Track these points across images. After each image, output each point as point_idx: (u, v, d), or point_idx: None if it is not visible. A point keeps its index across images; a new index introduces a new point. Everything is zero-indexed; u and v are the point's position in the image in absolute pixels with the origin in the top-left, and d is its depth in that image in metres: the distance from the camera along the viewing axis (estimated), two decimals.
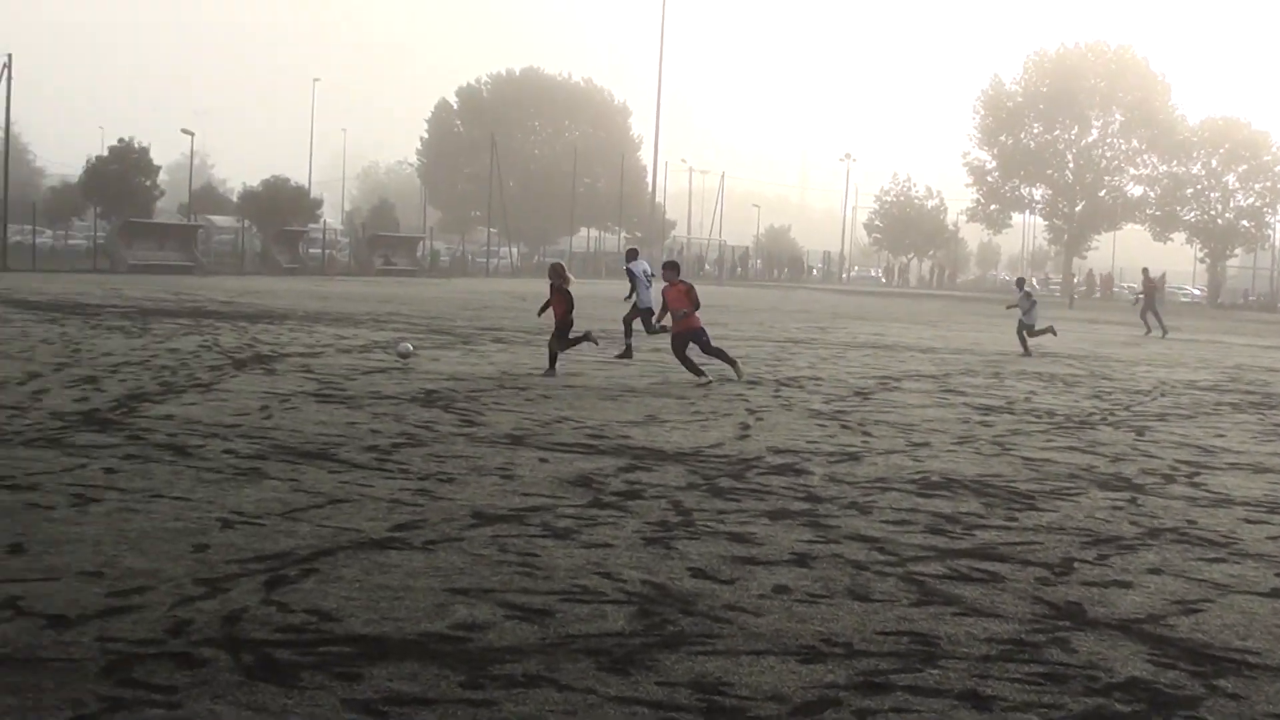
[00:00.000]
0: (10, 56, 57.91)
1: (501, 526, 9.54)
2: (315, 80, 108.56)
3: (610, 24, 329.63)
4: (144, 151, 73.23)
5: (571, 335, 20.72)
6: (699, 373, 20.31)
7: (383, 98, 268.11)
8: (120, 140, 73.90)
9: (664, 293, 21.40)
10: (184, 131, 76.20)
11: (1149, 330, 44.22)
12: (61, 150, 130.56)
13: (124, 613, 7.01)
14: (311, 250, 76.34)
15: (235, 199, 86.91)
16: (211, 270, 64.46)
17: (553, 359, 20.62)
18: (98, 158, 74.34)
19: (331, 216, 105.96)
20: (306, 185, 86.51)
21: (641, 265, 26.55)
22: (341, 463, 11.87)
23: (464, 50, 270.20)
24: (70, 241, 77.02)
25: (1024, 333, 31.82)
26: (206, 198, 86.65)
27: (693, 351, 20.70)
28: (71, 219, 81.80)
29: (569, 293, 20.70)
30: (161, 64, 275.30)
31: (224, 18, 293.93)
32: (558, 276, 21.17)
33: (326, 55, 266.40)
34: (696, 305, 20.74)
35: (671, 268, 21.77)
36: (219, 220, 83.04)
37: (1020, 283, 34.22)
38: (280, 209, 76.74)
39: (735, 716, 6.05)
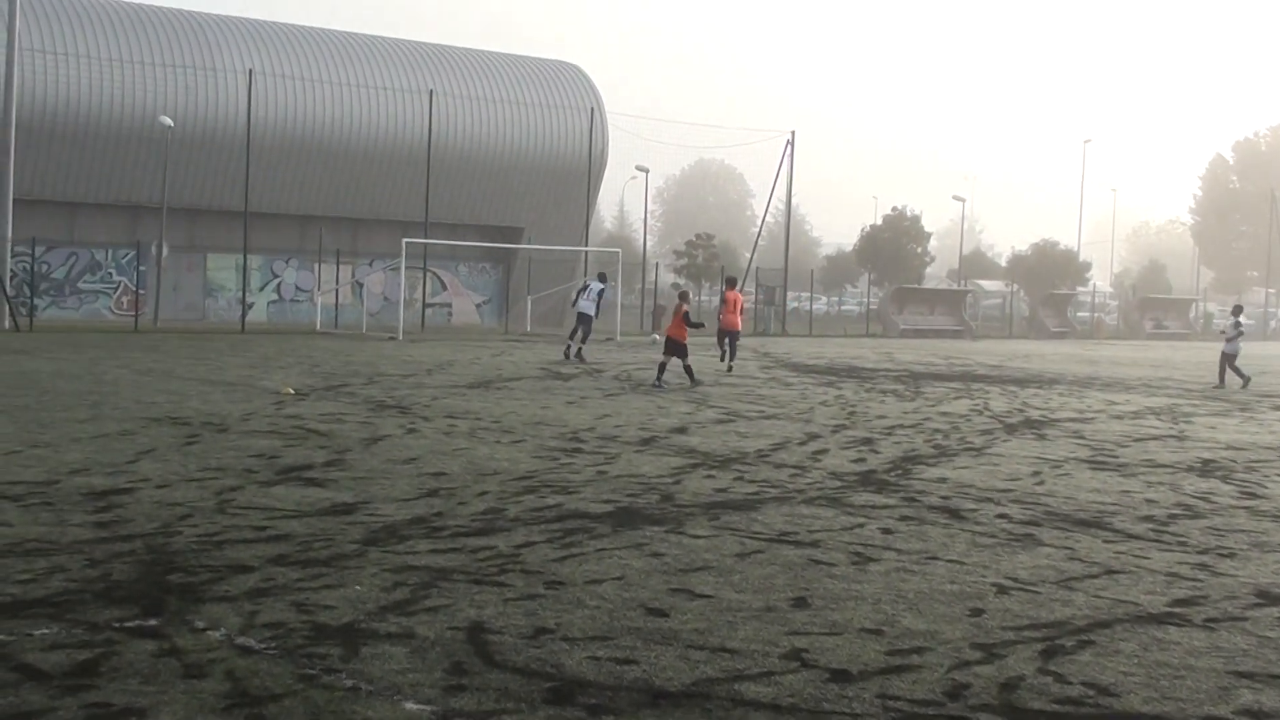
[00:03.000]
0: (793, 134, 61.55)
1: None
2: (1086, 141, 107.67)
3: None
4: (915, 219, 75.67)
5: None
6: None
7: (1154, 156, 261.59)
8: (893, 209, 76.72)
9: None
10: (954, 198, 77.90)
11: None
12: (836, 221, 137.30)
13: (903, 671, 7.24)
14: (1080, 314, 75.62)
15: (1003, 263, 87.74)
16: (980, 334, 65.30)
17: None
18: (871, 226, 77.59)
19: (1100, 279, 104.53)
20: (1075, 248, 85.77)
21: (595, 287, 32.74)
22: (1116, 532, 11.68)
23: (1236, 102, 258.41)
24: (844, 307, 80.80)
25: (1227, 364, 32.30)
26: (975, 263, 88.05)
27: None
28: (845, 285, 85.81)
29: None
30: (930, 132, 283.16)
31: (988, 83, 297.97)
32: None
33: (1096, 115, 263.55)
34: None
35: None
36: (987, 285, 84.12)
37: (1237, 310, 34.91)
38: (1048, 272, 76.71)
39: None
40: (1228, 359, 32.42)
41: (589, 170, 57.53)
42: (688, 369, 26.22)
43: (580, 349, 32.97)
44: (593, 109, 58.86)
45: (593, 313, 33.68)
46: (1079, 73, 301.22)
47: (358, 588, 8.64)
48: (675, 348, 26.50)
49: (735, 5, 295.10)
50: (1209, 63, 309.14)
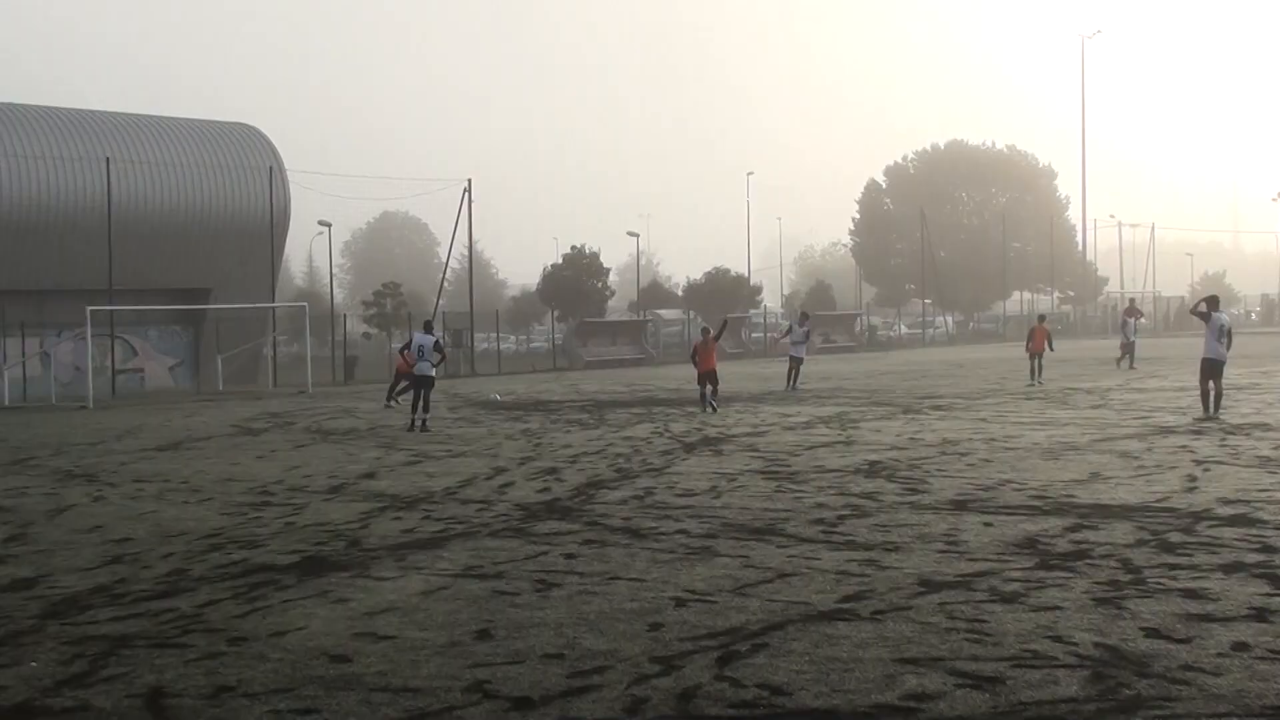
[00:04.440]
0: (470, 181, 61.76)
1: (949, 593, 9.53)
2: (749, 174, 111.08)
3: (1030, 88, 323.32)
4: (594, 256, 76.78)
5: None
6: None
7: (812, 183, 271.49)
8: (573, 247, 77.69)
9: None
10: (629, 234, 79.30)
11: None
12: (521, 262, 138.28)
13: (584, 692, 7.37)
14: (754, 334, 77.76)
15: (680, 292, 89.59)
16: (661, 360, 66.48)
17: None
18: (553, 265, 78.37)
19: (771, 300, 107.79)
20: (746, 273, 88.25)
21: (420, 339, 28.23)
22: (789, 537, 12.11)
23: (887, 131, 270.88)
24: (532, 345, 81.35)
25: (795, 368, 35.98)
26: (654, 293, 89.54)
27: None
28: (532, 324, 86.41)
29: None
30: (606, 172, 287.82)
31: (658, 126, 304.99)
32: None
33: (758, 150, 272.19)
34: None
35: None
36: (665, 314, 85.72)
37: (803, 318, 38.77)
38: (722, 297, 78.66)
39: None
40: (795, 363, 35.81)
41: (271, 228, 56.75)
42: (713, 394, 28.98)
43: (425, 419, 27.29)
44: (271, 168, 57.97)
45: (430, 372, 29.88)
46: (741, 107, 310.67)
47: (33, 664, 8.33)
48: (709, 377, 29.23)
49: (411, 61, 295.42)
50: (862, 94, 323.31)
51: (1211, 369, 22.99)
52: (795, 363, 36.07)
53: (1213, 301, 23.76)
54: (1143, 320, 48.33)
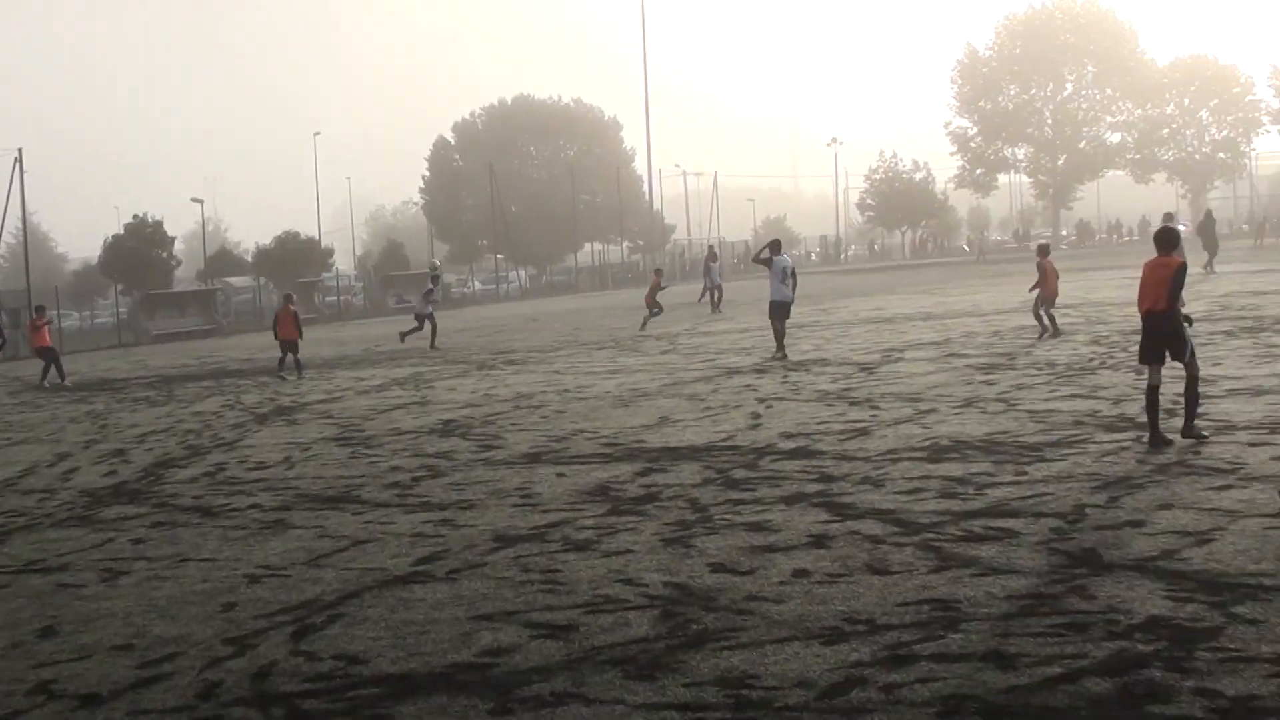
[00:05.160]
0: (20, 150, 58.48)
1: (523, 546, 9.65)
2: (316, 134, 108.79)
3: (594, 41, 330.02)
4: (158, 225, 73.75)
5: None
6: None
7: (382, 142, 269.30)
8: (135, 217, 74.44)
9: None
10: (194, 200, 76.61)
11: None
12: (82, 234, 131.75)
13: (154, 682, 7.12)
14: (328, 299, 76.58)
15: (250, 259, 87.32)
16: (232, 330, 64.74)
17: None
18: (115, 236, 74.88)
19: (344, 263, 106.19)
20: (317, 236, 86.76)
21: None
22: (364, 503, 12.00)
23: (456, 88, 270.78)
24: (97, 320, 77.61)
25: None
26: (223, 261, 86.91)
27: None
28: (95, 299, 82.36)
29: None
30: (169, 137, 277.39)
31: (225, 83, 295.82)
32: None
33: (326, 107, 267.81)
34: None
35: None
36: (236, 281, 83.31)
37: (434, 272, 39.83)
38: (294, 262, 77.09)
39: (763, 708, 6.12)
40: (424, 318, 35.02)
41: None
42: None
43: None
44: None
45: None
46: (308, 66, 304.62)
47: None
48: (289, 345, 28.61)
49: None
50: (429, 52, 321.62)
51: (778, 310, 23.92)
52: (424, 321, 35.16)
53: (775, 246, 24.72)
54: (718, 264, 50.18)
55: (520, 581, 8.63)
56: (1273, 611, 6.95)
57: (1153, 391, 11.94)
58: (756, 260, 25.60)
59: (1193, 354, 11.90)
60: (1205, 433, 12.02)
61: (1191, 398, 11.95)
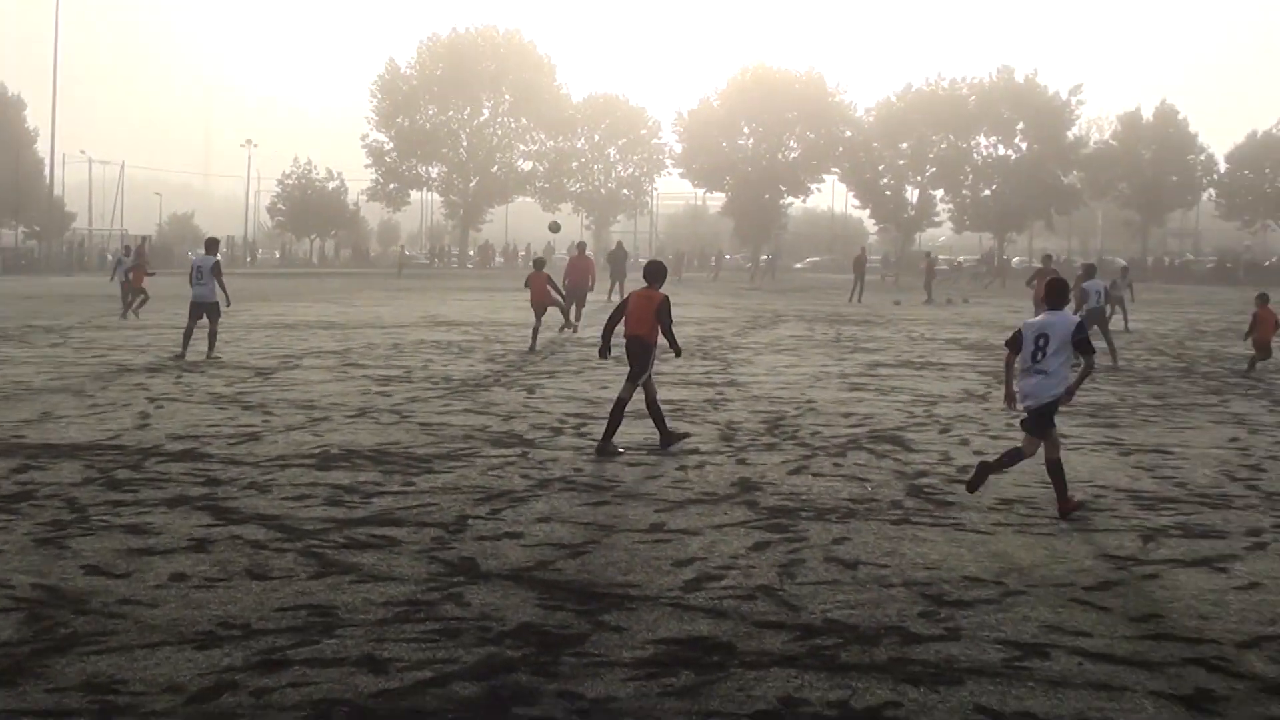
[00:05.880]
0: None
1: None
2: None
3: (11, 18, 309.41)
4: None
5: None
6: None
7: None
8: None
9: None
10: None
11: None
12: None
13: None
14: None
15: None
16: None
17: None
18: None
19: None
20: None
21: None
22: None
23: None
24: None
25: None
26: None
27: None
28: None
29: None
30: None
31: None
32: None
33: None
34: None
35: None
36: None
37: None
38: None
39: (130, 714, 5.95)
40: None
41: None
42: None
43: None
44: None
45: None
46: None
47: None
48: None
49: None
50: None
51: (195, 310, 23.21)
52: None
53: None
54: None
55: None
56: (635, 619, 7.42)
57: (620, 405, 13.22)
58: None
59: (649, 378, 13.24)
60: (622, 449, 13.00)
61: (618, 418, 13.18)
